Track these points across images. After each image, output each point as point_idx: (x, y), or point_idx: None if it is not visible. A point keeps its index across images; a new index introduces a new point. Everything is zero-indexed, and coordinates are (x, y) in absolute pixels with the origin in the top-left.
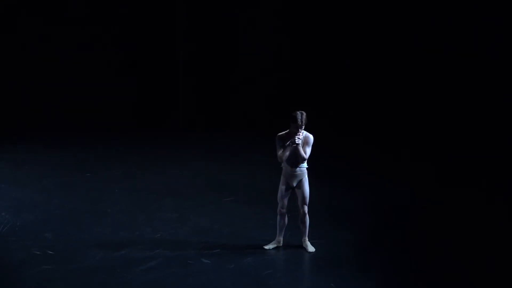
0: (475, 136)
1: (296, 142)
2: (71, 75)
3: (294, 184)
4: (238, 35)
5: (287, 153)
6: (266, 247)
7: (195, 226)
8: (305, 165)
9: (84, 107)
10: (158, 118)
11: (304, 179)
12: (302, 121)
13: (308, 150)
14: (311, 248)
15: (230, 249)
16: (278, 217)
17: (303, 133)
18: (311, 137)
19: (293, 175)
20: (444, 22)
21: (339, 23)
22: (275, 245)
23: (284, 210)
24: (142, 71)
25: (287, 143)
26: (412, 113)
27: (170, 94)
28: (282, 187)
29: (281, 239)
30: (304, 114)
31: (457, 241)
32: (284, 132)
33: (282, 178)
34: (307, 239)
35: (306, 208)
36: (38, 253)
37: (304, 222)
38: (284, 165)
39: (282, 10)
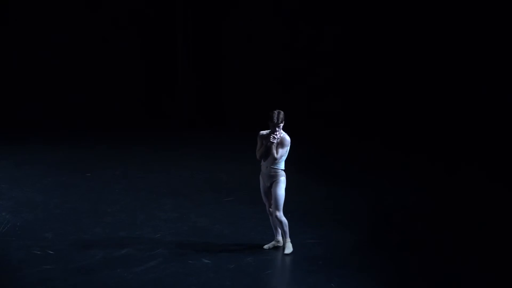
0: (476, 135)
1: (271, 141)
2: (71, 75)
3: (268, 184)
4: (238, 34)
5: (263, 151)
6: (266, 247)
7: (195, 226)
8: (281, 167)
9: (84, 107)
10: (158, 118)
11: (278, 180)
12: (278, 120)
13: (281, 151)
14: (287, 250)
15: (230, 249)
16: (270, 217)
17: (281, 133)
18: (287, 139)
19: (266, 174)
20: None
21: (339, 20)
22: (274, 245)
23: (269, 210)
24: (142, 71)
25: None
26: (413, 113)
27: (170, 93)
28: (260, 186)
29: (280, 238)
30: (282, 113)
31: (457, 241)
32: (266, 131)
33: (260, 176)
34: (287, 240)
35: (278, 213)
36: (38, 253)
37: (279, 225)
38: (261, 163)
39: (280, 8)
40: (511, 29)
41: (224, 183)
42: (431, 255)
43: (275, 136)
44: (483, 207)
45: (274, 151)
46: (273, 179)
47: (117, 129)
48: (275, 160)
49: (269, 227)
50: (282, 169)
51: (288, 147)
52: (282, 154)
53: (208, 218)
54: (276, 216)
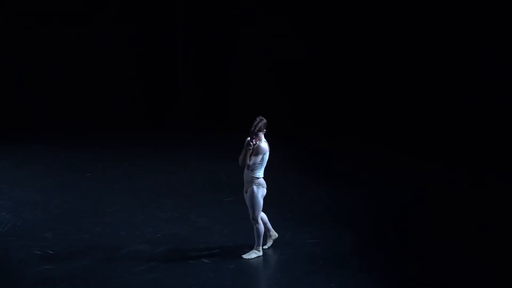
0: (475, 135)
1: (247, 146)
2: (71, 75)
3: (245, 189)
4: (238, 34)
5: (242, 157)
6: (265, 246)
7: (195, 226)
8: (256, 174)
9: (84, 107)
10: (158, 117)
11: (251, 188)
12: (255, 127)
13: (254, 158)
14: (246, 255)
15: (230, 249)
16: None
17: (259, 141)
18: (262, 147)
19: (245, 180)
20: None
21: (338, 20)
22: (271, 241)
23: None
24: (142, 71)
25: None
26: (413, 113)
27: (170, 94)
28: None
29: (272, 232)
30: (263, 121)
31: (457, 241)
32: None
33: None
34: (255, 247)
35: (252, 220)
36: (38, 253)
37: (256, 233)
38: None
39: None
40: (506, 34)
41: (224, 183)
42: (431, 255)
43: (251, 143)
44: (483, 207)
45: (247, 157)
46: (248, 184)
47: (117, 129)
48: (248, 167)
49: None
50: (257, 177)
51: (264, 155)
52: (255, 161)
53: (208, 218)
54: (253, 223)
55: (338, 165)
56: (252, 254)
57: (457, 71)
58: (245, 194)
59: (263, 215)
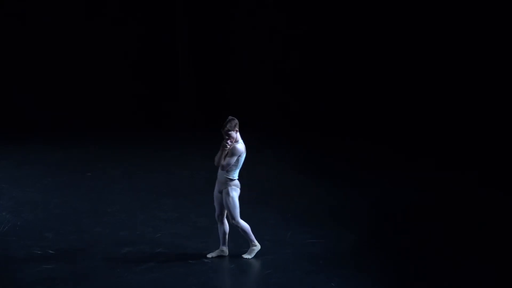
0: (475, 136)
1: (222, 145)
2: (71, 75)
3: (219, 189)
4: (238, 34)
5: (217, 156)
6: (209, 255)
7: (195, 226)
8: (230, 175)
9: (84, 107)
10: (158, 117)
11: (226, 190)
12: (224, 127)
13: (228, 159)
14: (246, 255)
15: (230, 249)
16: (218, 224)
17: (235, 141)
18: (237, 148)
19: (218, 180)
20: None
21: (339, 22)
22: (218, 254)
23: (217, 216)
24: (142, 71)
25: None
26: (413, 113)
27: (170, 94)
28: (214, 190)
29: (225, 248)
30: (233, 122)
31: (457, 241)
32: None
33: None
34: (252, 245)
35: (233, 222)
36: (38, 252)
37: (241, 232)
38: None
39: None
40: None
41: None
42: (431, 255)
43: (226, 144)
44: (483, 207)
45: (222, 157)
46: (222, 185)
47: (117, 129)
48: (222, 168)
49: (268, 227)
50: (231, 178)
51: (239, 157)
52: (229, 162)
53: (208, 218)
54: (233, 225)
55: (338, 165)
56: (252, 252)
57: (457, 71)
58: (218, 194)
59: (226, 227)
